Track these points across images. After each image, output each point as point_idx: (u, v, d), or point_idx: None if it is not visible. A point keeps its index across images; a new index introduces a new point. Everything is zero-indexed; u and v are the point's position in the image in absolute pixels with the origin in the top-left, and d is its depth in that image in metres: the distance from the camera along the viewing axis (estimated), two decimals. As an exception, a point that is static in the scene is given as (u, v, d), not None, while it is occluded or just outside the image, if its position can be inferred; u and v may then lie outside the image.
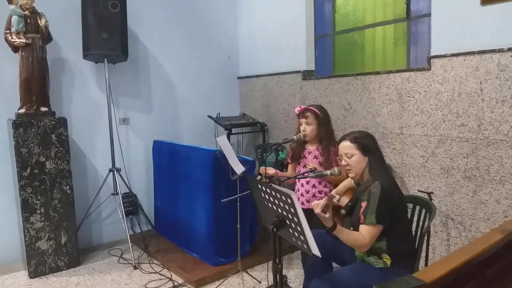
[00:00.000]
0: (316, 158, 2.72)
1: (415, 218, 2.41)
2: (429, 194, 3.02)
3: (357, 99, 3.66)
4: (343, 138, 2.26)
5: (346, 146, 2.22)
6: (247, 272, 3.42)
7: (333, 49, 4.13)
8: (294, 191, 2.87)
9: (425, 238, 2.31)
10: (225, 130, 4.42)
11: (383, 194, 2.05)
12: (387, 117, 3.44)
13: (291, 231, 2.02)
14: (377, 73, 3.48)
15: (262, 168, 2.79)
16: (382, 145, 3.48)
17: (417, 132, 3.23)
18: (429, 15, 3.16)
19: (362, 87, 3.62)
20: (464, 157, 2.95)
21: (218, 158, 3.31)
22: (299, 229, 1.93)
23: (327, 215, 1.95)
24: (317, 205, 1.99)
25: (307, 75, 4.22)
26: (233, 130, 4.51)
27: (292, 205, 1.85)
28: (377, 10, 3.74)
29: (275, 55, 4.52)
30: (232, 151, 3.05)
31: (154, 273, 3.50)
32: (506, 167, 2.73)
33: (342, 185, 2.55)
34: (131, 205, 4.28)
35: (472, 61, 2.84)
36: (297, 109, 2.79)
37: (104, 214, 4.19)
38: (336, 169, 2.27)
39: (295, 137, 2.70)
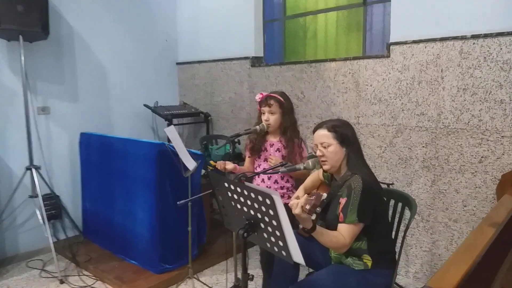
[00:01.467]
0: (279, 151, 2.45)
1: (391, 213, 2.25)
2: (388, 185, 2.91)
3: (311, 88, 3.47)
4: (319, 126, 2.01)
5: (322, 135, 1.97)
6: (197, 279, 3.07)
7: (283, 35, 3.89)
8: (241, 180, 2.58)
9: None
10: (165, 120, 3.99)
11: (365, 189, 1.84)
12: (343, 106, 3.29)
13: (265, 236, 1.73)
14: (333, 60, 3.30)
15: (220, 162, 2.45)
16: (337, 135, 3.32)
17: (374, 122, 3.12)
18: (388, 0, 3.03)
19: (316, 75, 3.43)
20: (423, 146, 2.88)
21: (163, 152, 2.91)
22: (277, 233, 1.65)
23: (313, 217, 1.68)
24: (296, 205, 1.71)
25: (256, 61, 3.93)
26: (174, 121, 4.08)
27: (273, 206, 1.56)
28: (330, -6, 3.57)
29: (220, 40, 4.17)
30: (182, 144, 2.67)
31: (85, 287, 3.00)
32: (466, 156, 2.70)
33: (310, 180, 2.31)
34: (54, 208, 3.67)
35: (434, 48, 2.77)
36: (258, 96, 2.49)
37: (20, 220, 3.53)
38: (310, 162, 2.02)
39: (258, 127, 2.40)
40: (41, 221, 3.36)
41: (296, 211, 1.72)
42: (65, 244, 3.63)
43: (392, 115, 3.01)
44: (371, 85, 3.10)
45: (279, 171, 2.02)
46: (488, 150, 2.60)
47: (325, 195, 1.81)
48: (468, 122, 2.67)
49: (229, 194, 1.85)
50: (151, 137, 4.24)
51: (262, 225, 1.72)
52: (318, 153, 1.98)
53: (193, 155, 2.90)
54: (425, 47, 2.80)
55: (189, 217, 2.76)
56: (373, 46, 3.31)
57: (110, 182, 3.38)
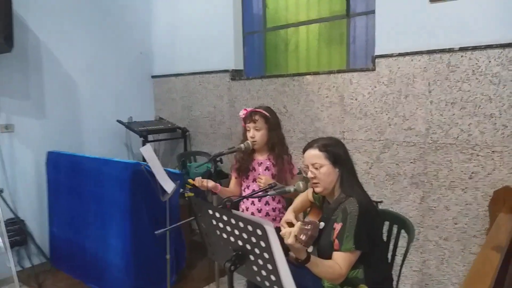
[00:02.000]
0: (268, 170, 2.29)
1: (385, 237, 2.12)
2: (377, 203, 2.79)
3: (294, 102, 3.34)
4: (310, 146, 1.87)
5: (313, 156, 1.83)
6: (176, 309, 2.85)
7: (264, 48, 3.77)
8: (239, 209, 2.41)
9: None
10: (140, 137, 3.77)
11: (361, 213, 1.70)
12: (327, 121, 3.17)
13: (255, 269, 1.56)
14: (316, 73, 3.19)
15: (198, 179, 2.27)
16: (322, 151, 3.20)
17: (360, 137, 3.01)
18: (372, 12, 2.96)
19: (299, 89, 3.31)
20: (411, 162, 2.79)
21: (138, 172, 2.70)
22: (269, 267, 1.48)
23: (310, 249, 1.53)
24: (288, 234, 1.55)
25: (236, 75, 3.79)
26: (149, 137, 3.87)
27: (264, 237, 1.40)
28: (311, 6, 3.47)
29: (198, 52, 4.01)
30: (159, 164, 2.47)
31: (53, 321, 2.73)
32: (455, 171, 2.61)
33: (299, 201, 2.16)
34: (18, 234, 3.37)
35: (420, 61, 2.69)
36: (242, 113, 2.33)
37: (-21, 249, 3.21)
38: (301, 183, 1.87)
39: (242, 145, 2.24)
40: (3, 248, 3.06)
41: (289, 241, 1.56)
42: (30, 273, 3.34)
43: (379, 130, 2.91)
44: (356, 99, 3.00)
45: (268, 194, 1.86)
46: (478, 166, 2.53)
47: (322, 224, 1.66)
48: (457, 137, 2.59)
49: (214, 222, 1.68)
50: (125, 155, 4.01)
51: (252, 257, 1.54)
52: (310, 174, 1.83)
53: (171, 175, 2.71)
54: (412, 60, 2.72)
55: (167, 244, 2.55)
56: (357, 59, 3.22)
57: (80, 205, 3.12)
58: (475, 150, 2.53)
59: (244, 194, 2.37)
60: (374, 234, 1.75)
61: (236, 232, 1.57)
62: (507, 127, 2.41)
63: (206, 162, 2.54)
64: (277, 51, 3.72)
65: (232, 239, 1.62)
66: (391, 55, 2.80)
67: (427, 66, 2.67)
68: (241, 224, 1.51)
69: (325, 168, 1.80)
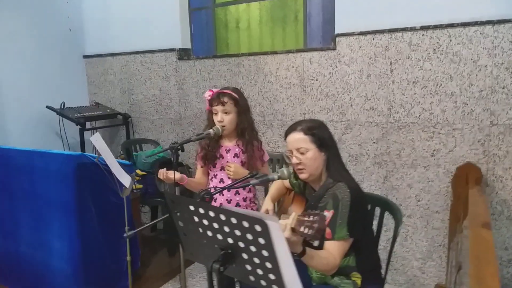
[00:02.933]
0: (237, 157, 2.09)
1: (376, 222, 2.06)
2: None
3: (250, 83, 3.16)
4: (293, 129, 1.71)
5: (298, 140, 1.68)
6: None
7: (214, 25, 3.51)
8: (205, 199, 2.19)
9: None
10: (77, 125, 3.34)
11: (354, 199, 1.60)
12: (287, 103, 3.04)
13: (249, 268, 1.39)
14: (274, 53, 3.03)
15: (162, 172, 2.01)
16: (282, 134, 3.07)
17: (321, 118, 2.92)
18: (331, -12, 2.86)
19: (255, 69, 3.13)
20: (374, 142, 2.78)
21: (83, 166, 2.36)
22: (268, 265, 1.32)
23: (315, 243, 1.39)
24: (284, 227, 1.40)
25: (184, 54, 3.49)
26: (87, 125, 3.45)
27: (265, 234, 1.24)
28: (264, -19, 3.28)
29: (138, 29, 3.62)
30: (111, 155, 2.16)
31: None
32: (418, 150, 2.65)
33: (274, 189, 2.01)
34: None
35: (382, 40, 2.65)
36: (208, 94, 2.10)
37: None
38: (285, 170, 1.71)
39: (211, 130, 2.01)
40: None
41: (286, 234, 1.40)
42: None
43: (341, 110, 2.86)
44: (316, 80, 2.90)
45: (250, 184, 1.68)
46: (440, 143, 2.58)
47: (327, 214, 1.52)
48: (419, 115, 2.61)
49: (196, 219, 1.47)
50: (59, 146, 3.54)
51: (245, 256, 1.37)
52: (294, 160, 1.68)
53: (122, 166, 2.41)
54: (373, 39, 2.68)
55: (128, 246, 2.27)
56: (314, 38, 3.12)
57: (11, 205, 2.67)
58: (436, 128, 2.58)
59: (211, 183, 2.16)
60: (365, 220, 1.67)
61: (226, 229, 1.39)
62: (467, 105, 2.47)
63: (163, 150, 2.27)
64: (227, 30, 3.50)
65: (219, 237, 1.44)
66: (352, 34, 2.73)
67: (389, 45, 2.64)
68: (233, 220, 1.34)
69: (311, 152, 1.66)
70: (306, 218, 1.37)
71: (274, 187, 2.04)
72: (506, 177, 2.43)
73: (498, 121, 2.41)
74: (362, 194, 1.69)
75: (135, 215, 3.01)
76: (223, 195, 2.11)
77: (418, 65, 2.57)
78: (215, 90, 2.11)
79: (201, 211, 1.44)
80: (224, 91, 2.06)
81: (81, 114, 3.40)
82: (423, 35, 2.53)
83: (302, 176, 1.71)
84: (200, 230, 1.50)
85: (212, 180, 2.15)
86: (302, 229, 1.35)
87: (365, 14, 2.68)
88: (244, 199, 2.12)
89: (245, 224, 1.30)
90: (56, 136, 3.58)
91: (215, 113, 2.06)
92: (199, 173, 2.20)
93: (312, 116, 2.95)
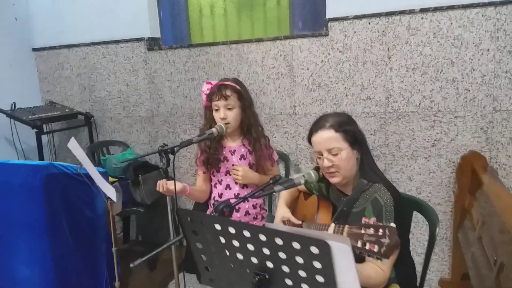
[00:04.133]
0: (244, 159, 1.83)
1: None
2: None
3: (233, 75, 2.87)
4: (320, 127, 1.48)
5: (329, 139, 1.45)
6: None
7: (186, 11, 3.17)
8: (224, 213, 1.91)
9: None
10: (33, 128, 2.88)
11: (397, 203, 1.41)
12: (275, 95, 2.81)
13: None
14: (259, 40, 2.78)
15: (161, 184, 1.71)
16: (270, 129, 2.85)
17: (314, 111, 2.73)
18: (321, -32, 2.64)
19: (238, 59, 2.85)
20: (372, 134, 2.62)
21: (53, 177, 1.99)
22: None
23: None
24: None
25: (154, 44, 3.13)
26: (44, 128, 3.00)
27: (324, 257, 1.02)
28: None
29: (100, 16, 3.19)
30: (91, 164, 1.81)
31: None
32: (418, 140, 2.53)
33: (287, 192, 1.77)
34: None
35: (378, 24, 2.49)
36: (206, 87, 1.80)
37: None
38: (312, 172, 1.48)
39: (214, 129, 1.72)
40: None
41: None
42: None
43: (335, 101, 2.67)
44: (307, 69, 2.69)
45: (275, 191, 1.43)
46: (441, 133, 2.47)
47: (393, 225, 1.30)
48: (419, 104, 2.49)
49: (223, 240, 1.22)
50: (11, 154, 3.05)
51: (290, 282, 1.14)
52: (326, 163, 1.45)
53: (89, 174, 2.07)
54: (369, 23, 2.51)
55: (116, 267, 1.93)
56: (302, 23, 2.89)
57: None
58: (437, 116, 2.46)
59: (215, 191, 1.88)
60: (406, 225, 1.49)
61: (265, 251, 1.15)
62: (469, 91, 2.37)
63: (150, 153, 1.95)
64: (202, 16, 3.18)
65: (254, 260, 1.20)
66: (345, 18, 2.54)
67: (386, 30, 2.48)
68: (278, 242, 1.10)
69: (345, 152, 1.44)
70: (363, 231, 1.15)
71: (286, 190, 1.81)
72: (509, 165, 2.37)
73: (501, 107, 2.33)
74: (400, 195, 1.51)
75: (113, 226, 2.65)
76: (230, 189, 1.84)
77: (418, 51, 2.43)
78: (213, 82, 1.82)
79: (232, 230, 1.19)
80: (225, 82, 1.78)
81: (37, 116, 2.94)
82: (422, 18, 2.39)
83: (335, 180, 1.48)
84: (227, 252, 1.25)
85: (216, 187, 1.88)
86: (360, 244, 1.13)
87: (360, -4, 2.50)
88: (254, 206, 1.87)
89: (296, 245, 1.06)
90: (6, 142, 3.08)
91: (216, 110, 1.78)
92: (200, 180, 1.90)
93: (304, 109, 2.74)
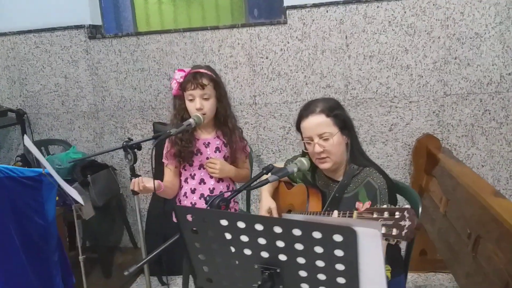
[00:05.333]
0: (219, 151, 1.71)
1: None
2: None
3: (187, 64, 2.72)
4: (310, 112, 1.44)
5: (320, 124, 1.41)
6: None
7: (131, -4, 2.95)
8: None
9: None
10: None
11: (389, 186, 1.43)
12: (234, 85, 2.72)
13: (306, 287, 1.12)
14: (215, 28, 2.66)
15: (136, 182, 1.55)
16: (229, 120, 2.75)
17: (274, 100, 2.69)
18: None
19: (193, 48, 2.71)
20: (331, 121, 2.65)
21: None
22: (341, 280, 1.07)
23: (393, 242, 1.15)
24: None
25: (96, 31, 2.86)
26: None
27: (349, 244, 0.99)
28: None
29: (30, 1, 2.83)
30: (48, 164, 1.59)
31: None
32: (376, 126, 2.61)
33: (271, 185, 1.69)
34: None
35: (336, 12, 2.51)
36: (179, 75, 1.66)
37: None
38: (303, 160, 1.43)
39: (192, 120, 1.58)
40: None
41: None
42: None
43: (295, 90, 2.65)
44: (267, 58, 2.64)
45: (269, 181, 1.36)
46: (397, 117, 2.58)
47: (365, 205, 1.28)
48: (377, 90, 2.57)
49: (229, 236, 1.14)
50: None
51: (304, 273, 1.09)
52: (317, 148, 1.41)
53: (37, 176, 1.85)
54: (327, 12, 2.52)
55: (83, 277, 1.73)
56: (258, 11, 2.83)
57: None
58: (393, 102, 2.56)
59: (186, 186, 1.75)
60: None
61: (280, 244, 1.09)
62: (422, 77, 2.50)
63: (113, 149, 1.75)
64: (147, 3, 2.97)
65: (265, 254, 1.13)
66: (304, 6, 2.53)
67: (343, 18, 2.51)
68: (296, 233, 1.05)
69: (336, 138, 1.42)
70: (376, 215, 1.13)
71: (270, 184, 1.74)
72: (459, 145, 2.54)
73: (451, 91, 2.49)
74: (391, 179, 1.53)
75: (61, 232, 2.39)
76: (204, 183, 1.72)
77: (374, 39, 2.50)
78: (186, 69, 1.69)
79: (241, 225, 1.11)
80: (201, 70, 1.66)
81: (-42, 114, 2.55)
82: (378, 7, 2.46)
83: (325, 165, 1.45)
84: (232, 249, 1.16)
85: (187, 182, 1.75)
86: (399, 231, 1.10)
87: (317, -16, 2.50)
88: (228, 187, 1.77)
89: (317, 235, 1.01)
90: None
91: (191, 99, 1.65)
92: (169, 175, 1.75)
93: (264, 98, 2.69)
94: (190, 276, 2.06)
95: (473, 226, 1.70)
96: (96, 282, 2.64)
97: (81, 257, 1.73)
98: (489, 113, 2.47)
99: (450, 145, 2.54)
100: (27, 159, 2.82)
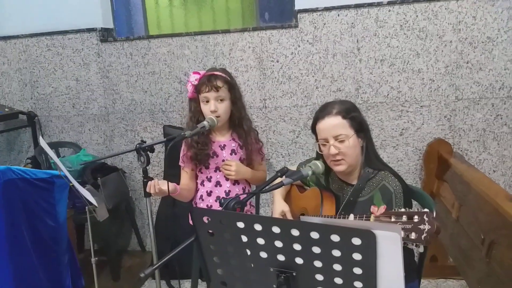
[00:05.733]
0: (235, 153, 1.72)
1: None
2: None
3: (198, 68, 2.73)
4: (327, 113, 1.44)
5: (337, 125, 1.41)
6: None
7: (143, 0, 2.96)
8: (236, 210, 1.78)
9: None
10: (-33, 130, 2.51)
11: (405, 189, 1.42)
12: (244, 88, 2.71)
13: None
14: (226, 31, 2.67)
15: (153, 185, 1.55)
16: (239, 124, 2.75)
17: (285, 104, 2.69)
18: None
19: (204, 51, 2.72)
20: (342, 125, 2.64)
21: (11, 184, 1.73)
22: (359, 285, 1.06)
23: (421, 250, 1.14)
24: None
25: (107, 34, 2.88)
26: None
27: (367, 247, 0.98)
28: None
29: (42, 4, 2.86)
30: (63, 166, 1.60)
31: None
32: (387, 130, 2.60)
33: (283, 188, 1.68)
34: None
35: (348, 16, 2.51)
36: (194, 78, 1.66)
37: None
38: (318, 163, 1.42)
39: (205, 122, 1.59)
40: None
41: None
42: None
43: (305, 94, 2.65)
44: (277, 61, 2.64)
45: (284, 184, 1.35)
46: (408, 122, 2.56)
47: (381, 209, 1.27)
48: (388, 94, 2.56)
49: (245, 238, 1.14)
50: None
51: (321, 277, 1.09)
52: (333, 150, 1.41)
53: (50, 178, 1.86)
54: (338, 15, 2.52)
55: (95, 280, 1.73)
56: (270, 14, 2.84)
57: None
58: (404, 106, 2.55)
59: (202, 189, 1.75)
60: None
61: (297, 247, 1.09)
62: (433, 81, 2.48)
63: (126, 151, 1.76)
64: (158, 6, 2.99)
65: (281, 257, 1.14)
66: (315, 10, 2.53)
67: (355, 22, 2.51)
68: (314, 236, 1.05)
69: (352, 140, 1.42)
70: (394, 219, 1.13)
71: (283, 188, 1.73)
72: (470, 150, 2.52)
73: (462, 96, 2.47)
74: (406, 183, 1.52)
75: (71, 235, 2.40)
76: (220, 186, 1.72)
77: (385, 42, 2.50)
78: (201, 72, 1.69)
79: (258, 227, 1.11)
80: (216, 73, 1.66)
81: (-29, 116, 2.57)
82: (389, 10, 2.46)
83: (340, 168, 1.45)
84: (248, 252, 1.16)
85: (203, 185, 1.75)
86: (419, 235, 1.09)
87: (328, -12, 2.50)
88: (244, 189, 1.77)
89: (335, 238, 1.01)
90: None
91: (205, 102, 1.66)
92: (185, 178, 1.76)
93: (274, 102, 2.69)
94: (199, 280, 2.06)
95: (486, 231, 1.68)
96: (105, 285, 2.64)
97: (93, 260, 1.73)
98: (501, 118, 2.45)
99: (461, 150, 2.52)
100: (37, 161, 2.84)
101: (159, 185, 1.54)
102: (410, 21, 2.44)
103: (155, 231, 2.65)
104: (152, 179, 1.65)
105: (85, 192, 1.61)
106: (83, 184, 2.63)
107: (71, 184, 1.74)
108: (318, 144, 1.47)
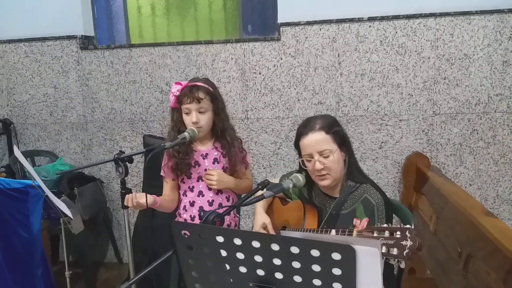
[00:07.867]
0: (218, 162, 1.70)
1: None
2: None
3: (180, 78, 2.72)
4: (310, 129, 1.44)
5: (320, 141, 1.41)
6: None
7: (125, 9, 2.94)
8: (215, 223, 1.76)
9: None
10: None
11: (386, 202, 1.43)
12: (226, 99, 2.67)
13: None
14: (209, 42, 2.67)
15: (130, 198, 1.51)
16: (221, 134, 2.74)
17: (266, 115, 2.70)
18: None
19: (186, 61, 2.71)
20: (323, 138, 2.67)
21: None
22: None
23: (402, 265, 1.15)
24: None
25: (88, 42, 2.84)
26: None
27: (346, 262, 0.99)
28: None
29: (21, 10, 2.81)
30: (37, 176, 1.55)
31: None
32: (366, 143, 2.63)
33: (265, 201, 1.68)
34: None
35: (329, 30, 2.55)
36: (176, 88, 1.64)
37: None
38: (299, 176, 1.42)
39: (186, 133, 1.57)
40: None
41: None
42: None
43: (287, 106, 2.67)
44: (260, 73, 2.66)
45: (264, 197, 1.34)
46: (387, 135, 2.60)
47: (363, 223, 1.28)
48: (367, 108, 2.60)
49: (224, 253, 1.12)
50: None
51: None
52: (318, 166, 1.41)
53: (24, 188, 1.81)
54: (320, 29, 2.56)
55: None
56: (252, 27, 2.85)
57: None
58: (384, 120, 2.59)
59: (184, 199, 1.72)
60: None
61: (276, 262, 1.08)
62: (412, 96, 2.54)
63: (104, 161, 1.71)
64: (141, 15, 2.97)
65: (260, 272, 1.12)
66: (298, 24, 2.56)
67: (336, 36, 2.55)
68: (294, 250, 1.04)
69: (336, 154, 1.42)
70: (377, 235, 1.13)
71: (265, 200, 1.72)
72: (447, 164, 2.58)
73: (440, 111, 2.53)
74: (387, 196, 1.53)
75: (46, 247, 2.32)
76: (203, 196, 1.70)
77: (366, 57, 2.54)
78: (183, 82, 1.68)
79: (238, 242, 1.10)
80: (198, 83, 1.65)
81: None
82: (370, 26, 2.51)
83: (325, 182, 1.45)
84: (227, 266, 1.15)
85: (186, 195, 1.72)
86: (400, 251, 1.09)
87: (311, 1, 2.53)
88: (227, 198, 1.75)
89: (315, 253, 1.01)
90: None
91: (187, 113, 1.64)
92: (167, 188, 1.73)
93: (256, 113, 2.70)
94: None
95: (463, 244, 1.71)
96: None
97: (67, 273, 1.67)
98: (477, 133, 2.52)
99: (439, 164, 2.58)
100: (12, 170, 2.76)
101: (137, 198, 1.51)
102: (389, 37, 2.50)
103: (132, 242, 2.60)
104: (130, 190, 1.62)
105: (60, 204, 1.57)
106: (59, 194, 2.57)
107: (45, 194, 1.68)
108: (302, 160, 1.47)
